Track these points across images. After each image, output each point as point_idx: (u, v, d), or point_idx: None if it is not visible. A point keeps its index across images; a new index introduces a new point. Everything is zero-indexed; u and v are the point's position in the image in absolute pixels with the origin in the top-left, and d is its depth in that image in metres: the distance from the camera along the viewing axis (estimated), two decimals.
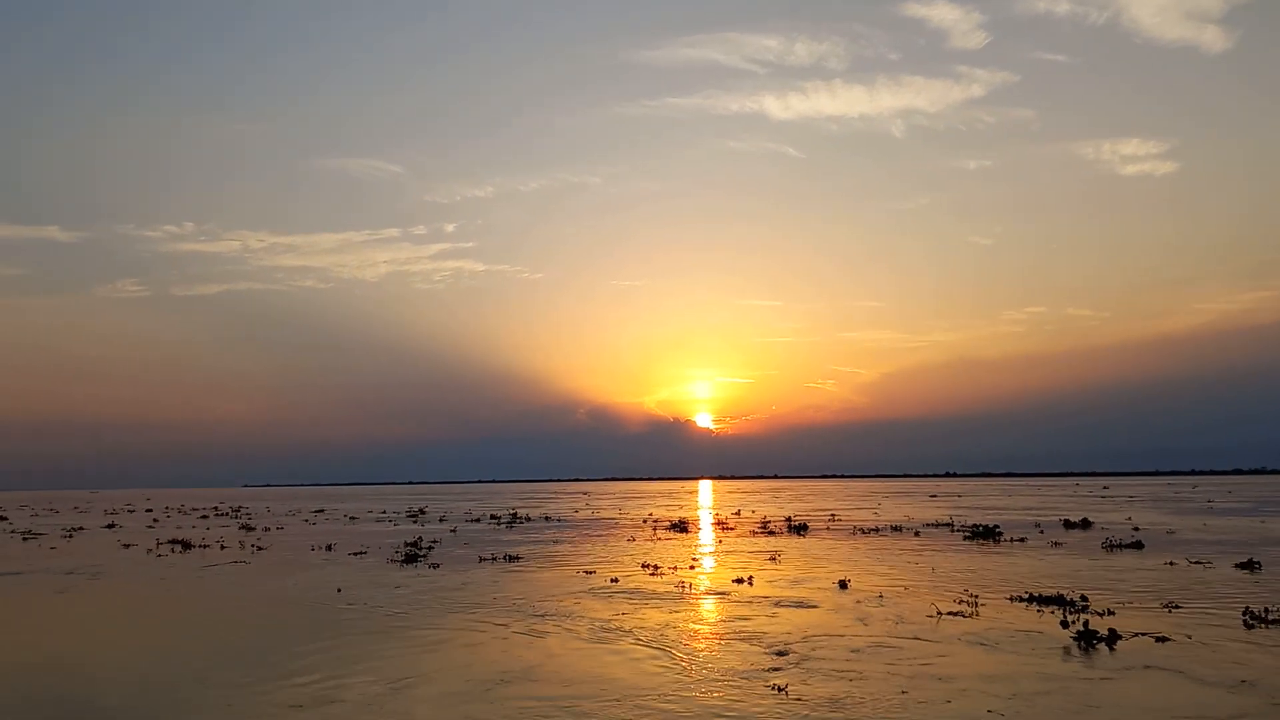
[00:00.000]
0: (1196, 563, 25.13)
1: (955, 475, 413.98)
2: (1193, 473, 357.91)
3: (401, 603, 19.44)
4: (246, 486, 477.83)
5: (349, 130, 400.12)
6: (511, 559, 29.06)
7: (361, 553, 33.07)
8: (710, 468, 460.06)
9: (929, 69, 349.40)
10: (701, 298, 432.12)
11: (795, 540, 36.59)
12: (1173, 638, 13.98)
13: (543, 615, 17.26)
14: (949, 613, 16.59)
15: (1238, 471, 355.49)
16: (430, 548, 33.95)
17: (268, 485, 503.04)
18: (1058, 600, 17.69)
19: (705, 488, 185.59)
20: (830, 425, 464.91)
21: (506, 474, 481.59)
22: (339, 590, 21.78)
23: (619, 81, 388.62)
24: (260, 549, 36.51)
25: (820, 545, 33.72)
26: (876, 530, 41.76)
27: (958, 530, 40.13)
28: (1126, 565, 24.88)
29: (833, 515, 57.68)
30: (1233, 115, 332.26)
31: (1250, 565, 23.46)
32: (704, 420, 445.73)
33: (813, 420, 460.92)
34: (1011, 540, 34.22)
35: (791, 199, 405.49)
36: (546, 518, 60.76)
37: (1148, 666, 12.08)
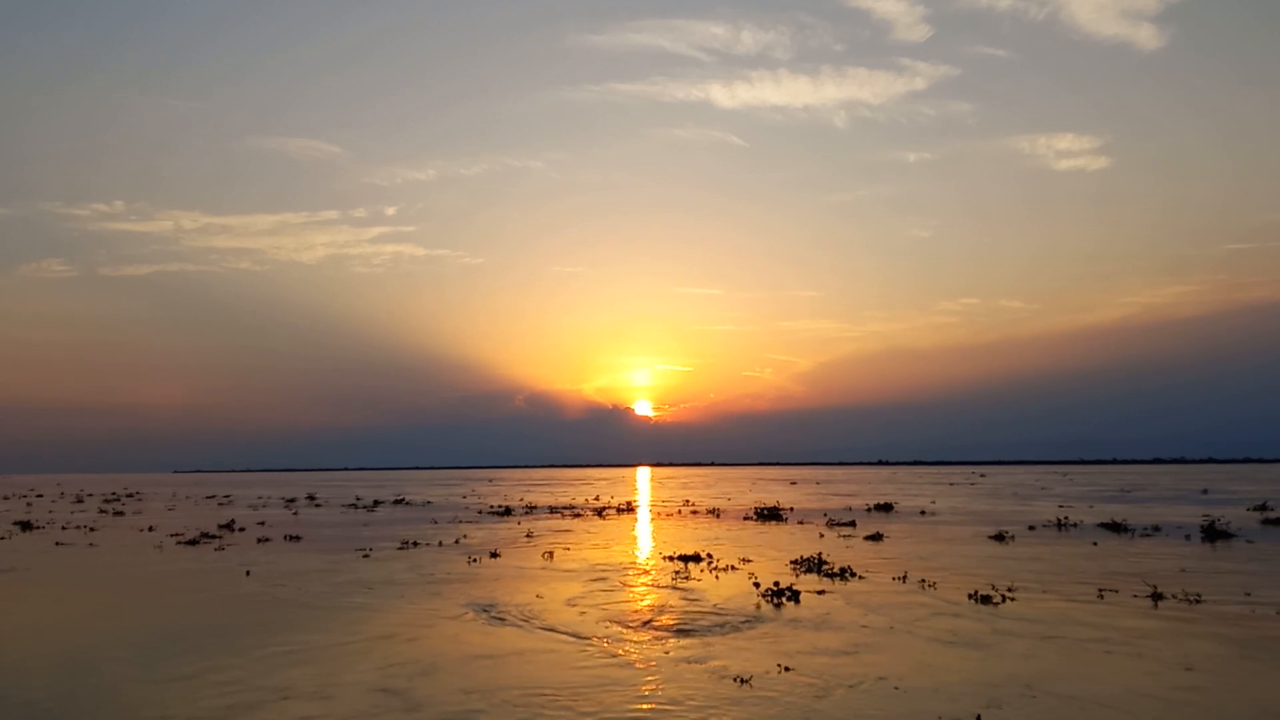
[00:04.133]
0: (844, 535, 30.24)
1: (887, 463, 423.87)
2: (1113, 461, 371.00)
3: (128, 576, 21.96)
4: (176, 472, 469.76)
5: (287, 110, 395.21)
6: (292, 539, 31.62)
7: (179, 534, 35.25)
8: (649, 455, 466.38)
9: (872, 61, 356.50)
10: (642, 285, 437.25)
11: (598, 522, 39.63)
12: (830, 590, 17.34)
13: (272, 586, 19.90)
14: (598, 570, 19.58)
15: (1158, 460, 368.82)
16: (242, 530, 36.29)
17: (198, 470, 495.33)
18: (694, 558, 21.31)
19: (637, 475, 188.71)
20: (767, 413, 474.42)
21: (444, 460, 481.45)
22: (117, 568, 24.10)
23: (565, 66, 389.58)
24: (93, 529, 38.46)
25: (614, 526, 36.83)
26: (695, 513, 45.15)
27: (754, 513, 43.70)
28: (799, 536, 30.28)
29: (686, 501, 61.09)
30: (1160, 115, 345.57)
31: (876, 537, 28.45)
32: (643, 408, 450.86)
33: (750, 408, 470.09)
34: (785, 521, 37.92)
35: (734, 188, 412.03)
36: (428, 502, 63.15)
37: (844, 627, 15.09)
